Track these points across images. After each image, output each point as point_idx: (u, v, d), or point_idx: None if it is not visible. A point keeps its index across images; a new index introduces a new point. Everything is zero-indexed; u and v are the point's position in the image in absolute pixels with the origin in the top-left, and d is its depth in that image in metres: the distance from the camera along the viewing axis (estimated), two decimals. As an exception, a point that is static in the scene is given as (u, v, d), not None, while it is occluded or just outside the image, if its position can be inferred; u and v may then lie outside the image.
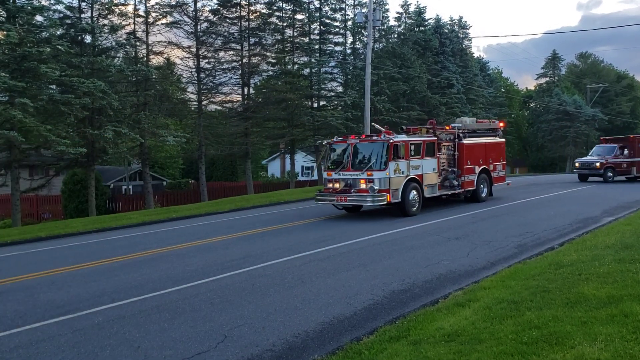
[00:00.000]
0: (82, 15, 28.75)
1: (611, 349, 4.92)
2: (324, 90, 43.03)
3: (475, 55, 72.70)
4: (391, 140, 15.21)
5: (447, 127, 18.67)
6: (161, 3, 33.03)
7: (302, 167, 56.72)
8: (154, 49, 33.28)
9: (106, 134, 25.00)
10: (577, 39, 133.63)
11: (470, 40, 65.45)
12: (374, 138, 15.80)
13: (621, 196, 20.30)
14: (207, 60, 36.26)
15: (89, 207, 28.06)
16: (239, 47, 37.37)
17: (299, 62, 41.23)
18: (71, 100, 23.47)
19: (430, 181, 16.63)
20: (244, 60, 37.24)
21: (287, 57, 39.97)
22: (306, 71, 41.35)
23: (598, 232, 11.85)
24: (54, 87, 25.06)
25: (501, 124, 20.96)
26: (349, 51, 45.59)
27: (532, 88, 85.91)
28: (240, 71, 37.17)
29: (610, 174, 27.54)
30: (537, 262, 9.17)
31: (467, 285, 8.03)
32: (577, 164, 29.61)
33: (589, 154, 30.82)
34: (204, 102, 36.64)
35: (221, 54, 36.79)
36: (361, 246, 11.66)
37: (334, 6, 43.15)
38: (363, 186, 15.09)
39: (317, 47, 41.59)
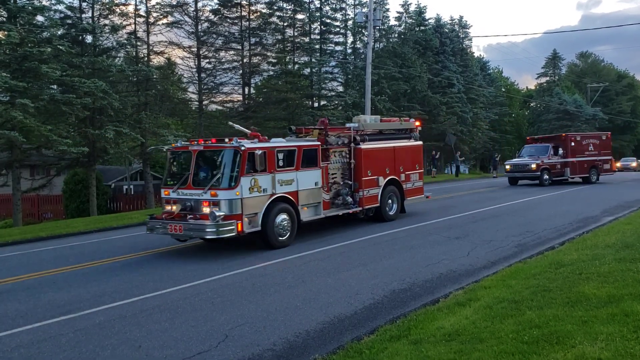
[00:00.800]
0: (83, 15, 28.76)
1: (612, 348, 4.92)
2: (325, 90, 43.06)
3: (476, 54, 72.76)
4: (243, 147, 10.99)
5: (343, 128, 14.89)
6: (162, 3, 33.03)
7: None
8: (154, 49, 33.30)
9: (107, 134, 25.02)
10: (577, 38, 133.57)
11: (470, 39, 65.48)
12: (222, 144, 11.50)
13: (621, 195, 20.31)
14: (207, 60, 36.28)
15: (90, 207, 28.07)
16: (239, 47, 37.39)
17: (299, 61, 41.27)
18: (72, 100, 23.48)
19: (310, 199, 12.60)
20: (245, 60, 37.26)
21: (288, 57, 39.99)
22: (307, 71, 41.38)
23: (598, 232, 11.86)
24: (55, 87, 25.08)
25: (417, 123, 16.94)
26: (349, 51, 45.60)
27: (533, 87, 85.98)
28: (240, 71, 37.20)
29: (546, 176, 25.55)
30: (537, 261, 9.17)
31: (467, 285, 8.04)
32: (507, 167, 27.17)
33: (518, 155, 28.49)
34: (205, 102, 36.66)
35: (222, 53, 36.81)
36: (361, 245, 11.67)
37: (334, 6, 43.18)
38: (206, 210, 10.94)
39: (317, 46, 41.62)
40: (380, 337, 5.97)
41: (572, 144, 26.54)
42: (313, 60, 40.58)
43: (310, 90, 40.76)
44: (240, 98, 38.71)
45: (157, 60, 34.48)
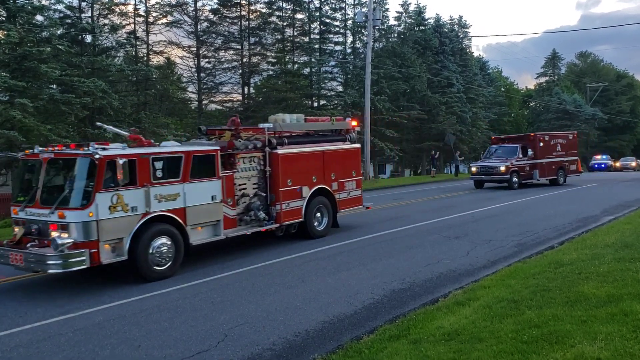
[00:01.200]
0: (83, 15, 28.80)
1: (611, 348, 4.92)
2: (324, 90, 43.10)
3: (475, 54, 72.73)
4: (98, 155, 8.66)
5: (257, 129, 12.42)
6: (161, 2, 33.11)
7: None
8: (154, 49, 33.35)
9: (106, 134, 25.02)
10: (577, 38, 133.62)
11: (470, 39, 65.39)
12: (74, 151, 9.14)
13: (621, 195, 20.31)
14: (207, 60, 36.35)
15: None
16: (239, 47, 37.44)
17: (299, 61, 41.32)
18: (71, 99, 23.50)
19: (205, 218, 10.22)
20: (244, 60, 37.30)
21: (287, 57, 40.02)
22: (306, 70, 41.41)
23: (598, 231, 11.86)
24: (54, 86, 25.10)
25: (354, 123, 14.58)
26: (349, 50, 45.62)
27: (532, 87, 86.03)
28: (240, 70, 37.24)
29: (515, 179, 23.83)
30: (537, 261, 9.18)
31: (467, 284, 8.05)
32: (473, 169, 25.42)
33: (484, 156, 26.48)
34: (205, 102, 36.72)
35: (221, 53, 36.89)
36: (361, 245, 11.67)
37: (334, 5, 43.21)
38: (56, 235, 8.69)
39: (317, 46, 41.66)
40: (380, 336, 5.98)
41: (541, 144, 25.05)
42: (312, 59, 40.61)
43: (309, 90, 40.78)
44: (240, 98, 38.76)
45: (156, 59, 34.54)
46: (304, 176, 12.43)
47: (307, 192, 12.48)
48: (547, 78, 78.35)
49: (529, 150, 24.63)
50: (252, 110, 37.50)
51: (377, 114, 40.10)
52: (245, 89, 38.93)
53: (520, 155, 24.42)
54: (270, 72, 40.26)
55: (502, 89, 72.49)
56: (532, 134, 26.38)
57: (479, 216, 15.58)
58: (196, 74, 35.55)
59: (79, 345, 6.27)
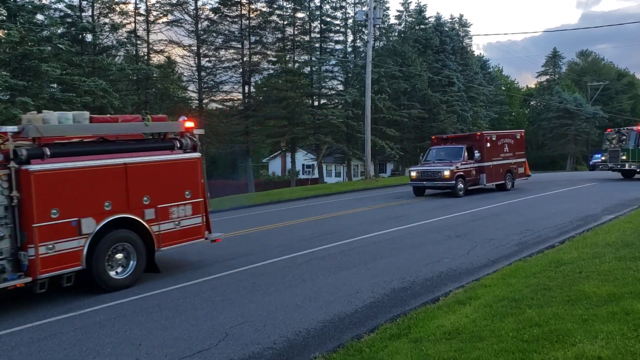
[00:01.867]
0: (83, 14, 28.85)
1: (612, 347, 4.92)
2: (325, 89, 43.15)
3: (476, 53, 72.91)
4: None
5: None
6: (162, 1, 33.17)
7: (303, 165, 56.83)
8: (154, 48, 33.39)
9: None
10: (577, 36, 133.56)
11: (470, 38, 65.57)
12: None
13: (621, 194, 20.28)
14: (207, 59, 36.38)
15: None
16: (239, 46, 37.45)
17: (299, 60, 41.35)
18: (72, 98, 23.55)
19: None
20: (245, 59, 37.30)
21: (288, 56, 40.03)
22: (307, 69, 41.45)
23: (599, 230, 11.84)
24: (55, 85, 25.14)
25: (189, 125, 10.16)
26: (349, 49, 45.63)
27: (533, 86, 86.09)
28: (241, 69, 37.26)
29: (461, 185, 21.07)
30: (537, 260, 9.17)
31: (467, 283, 8.04)
32: (413, 174, 22.21)
33: (424, 158, 23.24)
34: (205, 101, 36.75)
35: (222, 52, 36.94)
36: (362, 244, 11.67)
37: (334, 4, 43.24)
38: None
39: (317, 45, 41.71)
40: (381, 335, 5.97)
41: (488, 144, 22.46)
42: (313, 58, 40.65)
43: (310, 88, 40.82)
44: (241, 97, 38.79)
45: (157, 58, 34.61)
46: (86, 202, 8.40)
47: (91, 226, 8.43)
48: (547, 77, 78.44)
49: (475, 151, 21.91)
50: (252, 109, 37.56)
51: (377, 113, 40.10)
52: (246, 88, 38.96)
53: (466, 158, 21.63)
54: (271, 71, 40.31)
55: (503, 88, 72.56)
56: (478, 133, 23.82)
57: (479, 215, 15.57)
58: (197, 73, 35.58)
59: (80, 344, 6.28)
